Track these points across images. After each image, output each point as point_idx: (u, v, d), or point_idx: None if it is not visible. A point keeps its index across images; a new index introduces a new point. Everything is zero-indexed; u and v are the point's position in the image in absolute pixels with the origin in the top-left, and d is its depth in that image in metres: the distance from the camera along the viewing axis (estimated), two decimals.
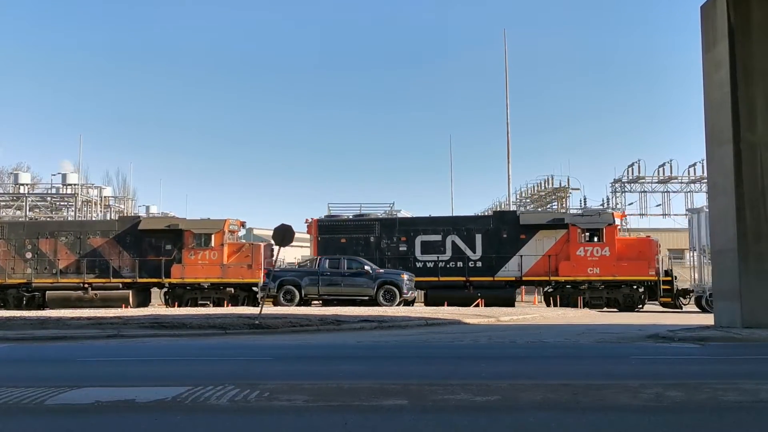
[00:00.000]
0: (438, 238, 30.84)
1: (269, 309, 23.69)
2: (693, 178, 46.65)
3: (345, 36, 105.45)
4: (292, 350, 13.00)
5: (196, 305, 30.13)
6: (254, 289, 30.33)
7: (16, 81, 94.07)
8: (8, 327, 17.65)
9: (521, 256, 30.02)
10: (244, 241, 34.78)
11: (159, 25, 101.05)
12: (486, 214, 31.69)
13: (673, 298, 29.75)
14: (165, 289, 31.21)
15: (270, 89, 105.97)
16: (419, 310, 24.62)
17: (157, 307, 30.60)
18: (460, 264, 30.14)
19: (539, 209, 52.13)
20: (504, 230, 30.60)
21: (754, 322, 15.62)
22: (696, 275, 31.18)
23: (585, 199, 48.48)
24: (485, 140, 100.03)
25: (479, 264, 30.18)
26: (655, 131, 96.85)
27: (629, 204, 45.99)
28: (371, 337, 16.05)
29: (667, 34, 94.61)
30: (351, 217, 32.49)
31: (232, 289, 30.46)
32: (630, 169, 47.67)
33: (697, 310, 29.60)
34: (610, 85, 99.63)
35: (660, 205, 46.07)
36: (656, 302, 30.06)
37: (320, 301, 29.58)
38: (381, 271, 28.59)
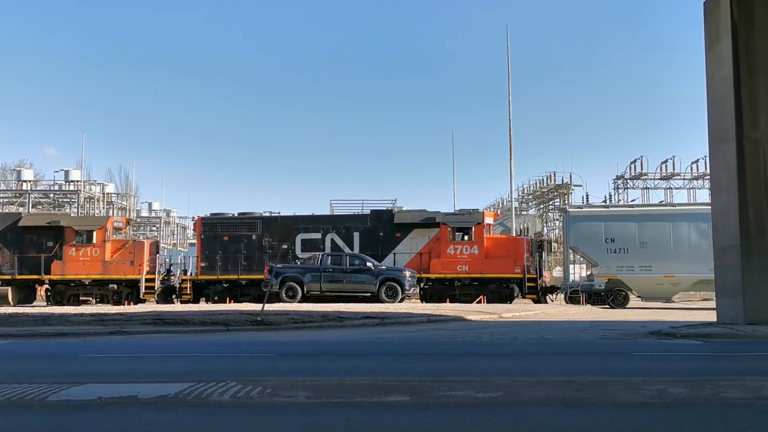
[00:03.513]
0: (318, 236, 31.29)
1: (271, 306, 23.67)
2: (695, 174, 46.64)
3: (347, 37, 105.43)
4: (295, 347, 13.00)
5: (78, 302, 30.18)
6: (139, 285, 30.61)
7: (19, 81, 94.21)
8: (11, 323, 17.69)
9: (395, 254, 30.46)
10: (128, 238, 34.69)
11: (161, 28, 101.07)
12: (364, 213, 32.14)
13: (538, 295, 30.40)
14: (46, 286, 31.20)
15: (275, 90, 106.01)
16: (421, 307, 24.62)
17: (40, 305, 30.40)
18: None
19: (541, 206, 52.14)
20: (380, 229, 31.06)
21: (756, 319, 15.60)
22: (563, 272, 31.97)
23: (587, 195, 48.46)
24: (488, 138, 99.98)
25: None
26: (657, 128, 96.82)
27: (632, 200, 45.94)
28: (374, 333, 16.05)
29: (670, 30, 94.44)
30: (236, 215, 32.67)
31: (115, 286, 30.67)
32: (632, 165, 47.64)
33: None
34: (613, 82, 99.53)
35: (663, 201, 46.02)
36: (530, 298, 30.70)
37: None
38: (383, 267, 28.60)
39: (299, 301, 27.76)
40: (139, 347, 13.18)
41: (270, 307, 21.86)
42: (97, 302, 30.44)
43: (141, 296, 30.69)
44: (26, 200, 48.54)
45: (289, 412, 6.33)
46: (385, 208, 32.14)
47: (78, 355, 11.74)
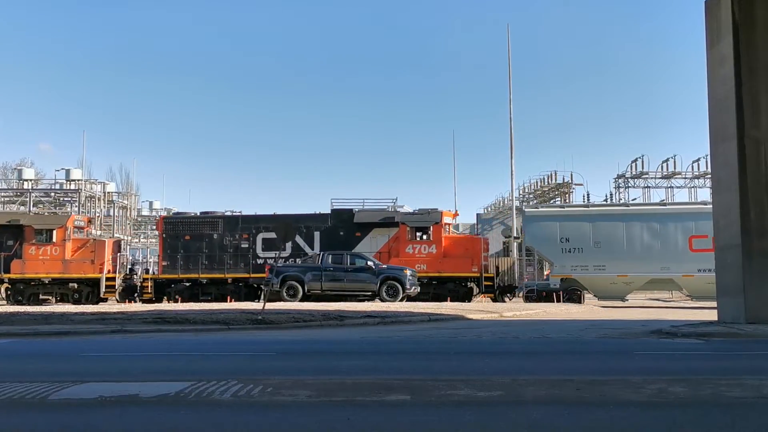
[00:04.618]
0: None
1: (271, 304, 23.68)
2: (696, 173, 46.59)
3: (348, 35, 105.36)
4: (295, 346, 13.00)
5: (38, 301, 30.25)
6: (100, 284, 30.85)
7: (19, 81, 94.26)
8: (12, 322, 17.71)
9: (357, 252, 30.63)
10: (90, 237, 34.92)
11: (162, 28, 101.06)
12: (323, 212, 32.38)
13: (495, 294, 30.81)
14: (6, 285, 31.31)
15: (275, 90, 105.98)
16: (422, 306, 24.61)
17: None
18: (299, 261, 30.60)
19: (541, 205, 52.02)
20: (341, 228, 31.34)
21: (757, 318, 15.60)
22: (521, 272, 32.67)
23: (588, 194, 48.42)
24: (489, 137, 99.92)
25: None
26: (658, 127, 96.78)
27: (633, 199, 45.91)
28: (374, 332, 16.05)
29: (671, 30, 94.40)
30: (198, 214, 32.79)
31: (75, 285, 30.82)
32: (633, 164, 47.59)
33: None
34: (614, 81, 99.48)
35: (664, 200, 45.98)
36: (488, 297, 31.09)
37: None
38: (384, 266, 28.60)
39: (300, 300, 27.79)
40: (140, 346, 13.18)
41: (271, 306, 21.86)
42: (57, 301, 30.53)
43: (101, 295, 30.82)
44: (27, 199, 48.52)
45: (291, 410, 6.33)
46: (345, 208, 32.28)
47: (79, 354, 11.75)
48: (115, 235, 47.58)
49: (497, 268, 31.98)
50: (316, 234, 31.36)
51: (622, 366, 9.83)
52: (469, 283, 30.33)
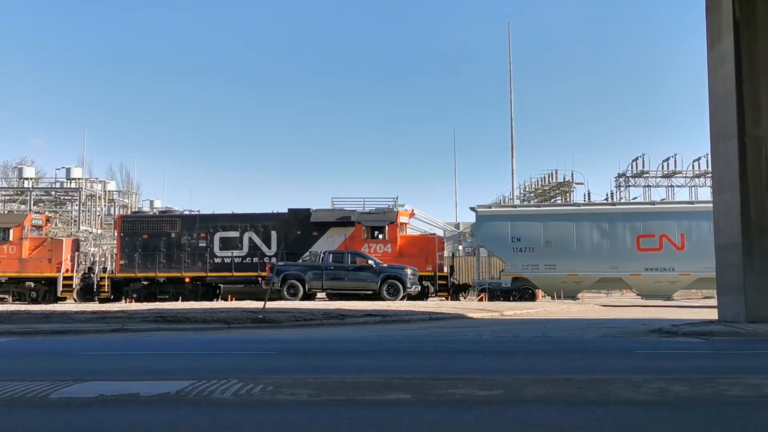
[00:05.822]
0: (236, 234, 31.71)
1: (272, 303, 23.68)
2: (697, 172, 46.61)
3: (349, 35, 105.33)
4: (296, 344, 13.00)
5: None
6: (57, 283, 30.96)
7: (20, 81, 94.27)
8: (12, 321, 17.71)
9: (311, 252, 30.84)
10: (48, 236, 34.94)
11: (163, 28, 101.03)
12: (280, 212, 32.45)
13: (449, 293, 31.10)
14: None
15: (277, 89, 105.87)
16: (422, 304, 24.62)
17: None
18: (255, 260, 30.75)
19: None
20: (298, 227, 31.50)
21: (758, 317, 15.60)
22: (476, 271, 33.19)
23: (589, 193, 48.42)
24: (491, 136, 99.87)
25: (274, 260, 30.63)
26: (659, 126, 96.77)
27: (633, 198, 45.91)
28: (375, 331, 16.06)
29: (673, 28, 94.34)
30: (157, 213, 32.90)
31: (32, 283, 30.98)
32: (634, 163, 47.60)
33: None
34: (616, 80, 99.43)
35: (664, 199, 45.99)
36: (441, 296, 31.36)
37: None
38: (384, 265, 28.65)
39: (301, 299, 27.81)
40: (141, 345, 13.18)
41: (272, 304, 21.86)
42: (14, 300, 30.67)
43: (58, 294, 30.95)
44: (28, 198, 48.51)
45: (291, 409, 6.33)
46: (302, 207, 32.46)
47: (79, 353, 11.75)
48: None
49: (451, 267, 32.59)
50: (273, 233, 31.51)
51: (622, 365, 9.83)
52: (424, 282, 30.42)
